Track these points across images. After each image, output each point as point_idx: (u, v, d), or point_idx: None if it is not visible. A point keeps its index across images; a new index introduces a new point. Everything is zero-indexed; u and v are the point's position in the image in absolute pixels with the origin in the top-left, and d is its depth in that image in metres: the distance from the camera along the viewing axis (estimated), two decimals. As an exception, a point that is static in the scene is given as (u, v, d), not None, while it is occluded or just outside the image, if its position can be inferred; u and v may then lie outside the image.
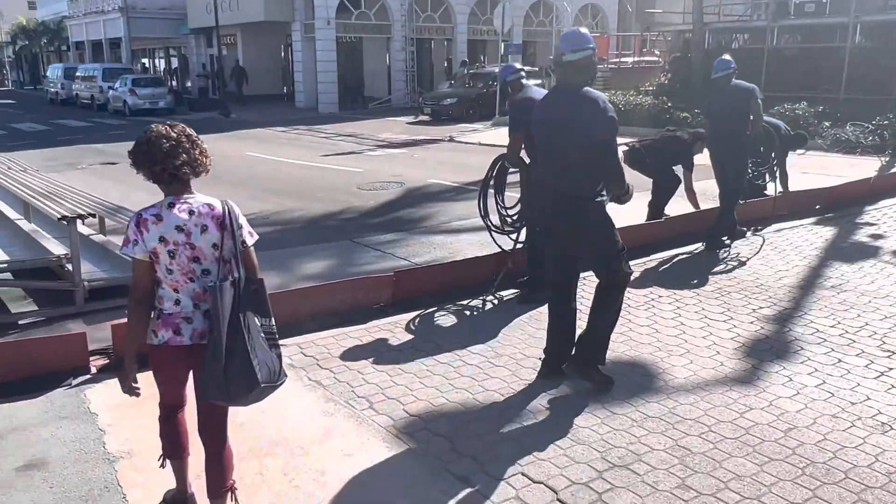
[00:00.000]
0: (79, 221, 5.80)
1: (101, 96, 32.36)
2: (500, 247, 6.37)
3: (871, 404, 4.06)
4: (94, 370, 4.66)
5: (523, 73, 6.08)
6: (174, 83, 36.56)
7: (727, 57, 7.38)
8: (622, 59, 29.47)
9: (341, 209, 10.41)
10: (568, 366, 4.37)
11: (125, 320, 3.50)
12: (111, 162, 16.08)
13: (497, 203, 6.26)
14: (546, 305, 4.73)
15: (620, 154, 4.65)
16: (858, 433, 3.74)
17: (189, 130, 2.88)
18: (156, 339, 2.86)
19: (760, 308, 5.70)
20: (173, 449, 3.15)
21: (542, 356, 4.49)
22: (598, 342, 4.29)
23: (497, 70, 5.99)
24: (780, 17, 21.04)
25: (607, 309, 4.21)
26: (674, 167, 7.99)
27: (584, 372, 4.27)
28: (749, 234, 7.97)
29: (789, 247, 7.50)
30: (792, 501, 3.15)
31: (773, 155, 8.79)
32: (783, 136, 8.88)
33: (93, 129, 24.57)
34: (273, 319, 2.91)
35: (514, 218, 6.24)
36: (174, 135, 2.78)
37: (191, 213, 2.80)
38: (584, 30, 4.25)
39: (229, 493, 3.03)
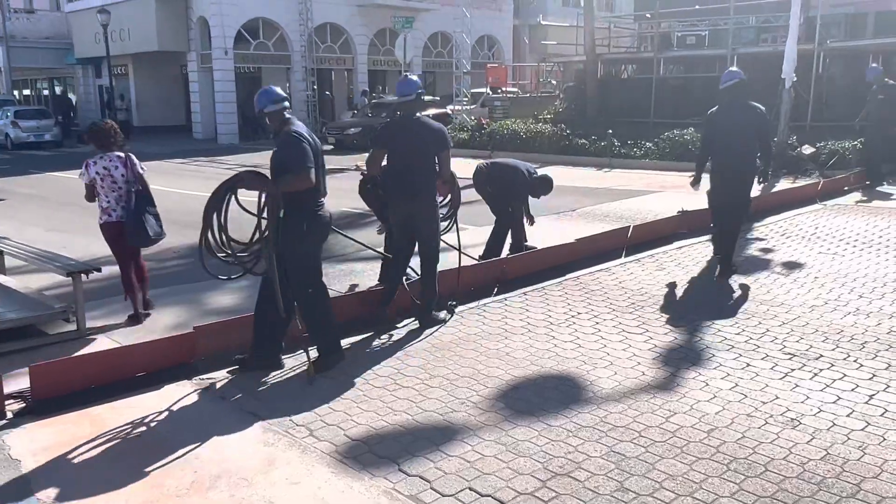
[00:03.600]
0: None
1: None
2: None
3: (780, 402, 4.40)
4: (10, 415, 4.42)
5: (287, 104, 5.09)
6: (71, 115, 34.88)
7: (414, 77, 6.36)
8: (518, 88, 30.50)
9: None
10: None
11: (42, 362, 4.68)
12: (-1, 198, 15.20)
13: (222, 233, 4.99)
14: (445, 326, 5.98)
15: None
16: (772, 429, 4.05)
17: (112, 123, 6.48)
18: (101, 220, 6.17)
19: (672, 320, 6.06)
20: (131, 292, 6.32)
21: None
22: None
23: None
24: (664, 48, 22.43)
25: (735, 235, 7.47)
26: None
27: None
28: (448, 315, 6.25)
29: (692, 263, 7.99)
30: (721, 495, 3.39)
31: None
32: (522, 179, 7.89)
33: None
34: (157, 207, 6.26)
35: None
36: (109, 124, 6.40)
37: (110, 160, 6.11)
38: (734, 68, 7.47)
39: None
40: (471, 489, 3.51)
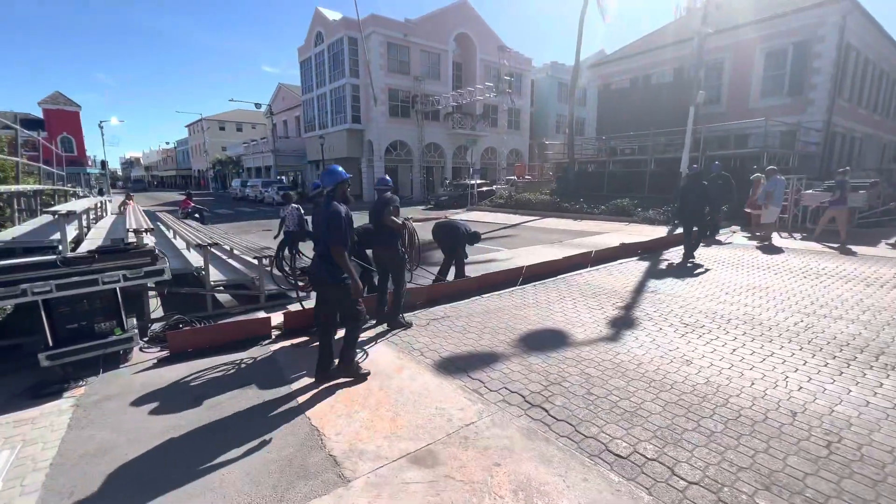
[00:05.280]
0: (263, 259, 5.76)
1: (260, 195, 32.40)
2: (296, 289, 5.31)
3: (679, 349, 4.14)
4: (273, 336, 4.63)
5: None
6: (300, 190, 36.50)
7: (386, 176, 5.41)
8: (529, 175, 30.01)
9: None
10: None
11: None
12: (268, 229, 16.05)
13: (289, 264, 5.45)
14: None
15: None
16: (674, 366, 3.82)
17: (292, 193, 6.26)
18: (286, 230, 6.63)
19: (616, 303, 5.78)
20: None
21: None
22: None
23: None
24: (613, 155, 21.64)
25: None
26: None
27: None
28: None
29: (629, 272, 7.62)
30: (644, 400, 3.22)
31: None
32: (461, 234, 6.39)
33: (257, 213, 24.47)
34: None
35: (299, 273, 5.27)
36: (291, 195, 6.75)
37: (291, 208, 6.91)
38: (695, 165, 7.53)
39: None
40: (506, 388, 3.47)
